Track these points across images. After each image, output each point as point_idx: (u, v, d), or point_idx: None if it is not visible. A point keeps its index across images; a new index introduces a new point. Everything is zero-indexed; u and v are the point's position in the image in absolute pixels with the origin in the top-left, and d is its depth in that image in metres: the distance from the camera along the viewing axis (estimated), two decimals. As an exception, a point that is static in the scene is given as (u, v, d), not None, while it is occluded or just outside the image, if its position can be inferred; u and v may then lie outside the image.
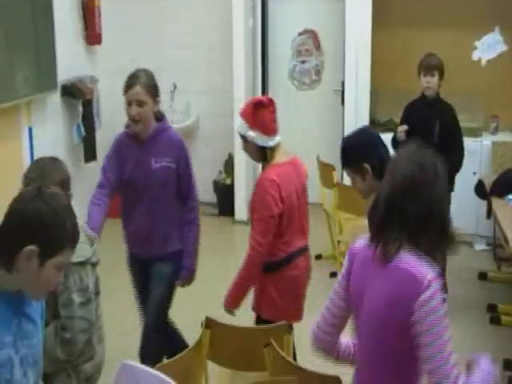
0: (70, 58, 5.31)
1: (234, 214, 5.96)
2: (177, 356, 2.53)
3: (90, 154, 5.51)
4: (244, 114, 2.85)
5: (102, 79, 5.66)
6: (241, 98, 5.85)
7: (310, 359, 3.24)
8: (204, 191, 6.29)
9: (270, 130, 2.84)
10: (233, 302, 2.91)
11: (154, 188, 3.06)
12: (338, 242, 4.83)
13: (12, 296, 1.70)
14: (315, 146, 5.73)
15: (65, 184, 2.46)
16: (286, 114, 6.35)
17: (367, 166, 2.52)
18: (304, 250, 3.01)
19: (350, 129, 5.59)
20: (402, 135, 4.21)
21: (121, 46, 6.07)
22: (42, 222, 1.63)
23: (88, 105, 5.42)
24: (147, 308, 3.21)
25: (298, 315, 2.99)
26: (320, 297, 4.35)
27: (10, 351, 1.68)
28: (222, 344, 2.71)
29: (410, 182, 1.78)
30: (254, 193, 2.91)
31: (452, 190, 3.90)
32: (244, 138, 2.88)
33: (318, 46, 6.23)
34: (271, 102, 2.87)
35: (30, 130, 4.84)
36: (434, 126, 4.18)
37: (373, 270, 1.83)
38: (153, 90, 3.00)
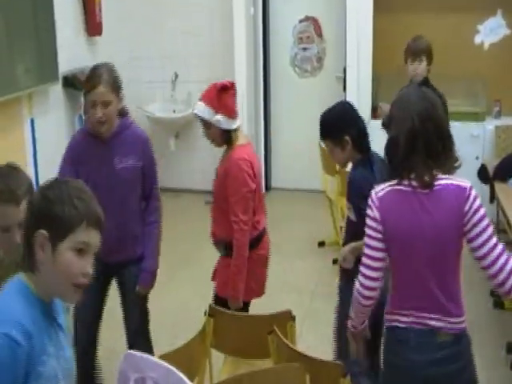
0: (71, 49, 5.30)
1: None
2: (181, 345, 2.54)
3: (92, 145, 5.51)
4: (208, 99, 2.87)
5: (103, 70, 5.65)
6: (242, 86, 5.84)
7: (313, 346, 3.28)
8: (206, 180, 6.30)
9: (233, 112, 2.91)
10: (239, 296, 2.94)
11: (120, 189, 2.87)
12: (341, 228, 4.83)
13: (45, 303, 1.63)
14: (317, 133, 5.71)
15: (32, 189, 2.15)
16: (287, 102, 6.35)
17: (347, 137, 2.73)
18: (265, 229, 3.10)
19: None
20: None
21: (122, 37, 6.06)
22: (46, 205, 1.59)
23: (90, 96, 5.41)
24: (131, 315, 3.06)
25: (262, 292, 3.11)
26: (325, 284, 4.39)
27: (53, 363, 1.59)
28: (225, 332, 2.72)
29: (427, 115, 2.09)
30: (226, 176, 2.91)
31: None
32: (207, 123, 2.89)
33: (319, 33, 6.20)
34: (233, 85, 2.92)
35: (32, 121, 4.84)
36: None
37: (416, 199, 2.09)
38: (116, 86, 2.80)
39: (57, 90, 5.15)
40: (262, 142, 6.25)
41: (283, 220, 5.55)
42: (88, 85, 2.78)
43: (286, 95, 6.32)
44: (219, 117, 2.86)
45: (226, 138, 2.94)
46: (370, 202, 2.15)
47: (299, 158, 6.23)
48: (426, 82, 3.96)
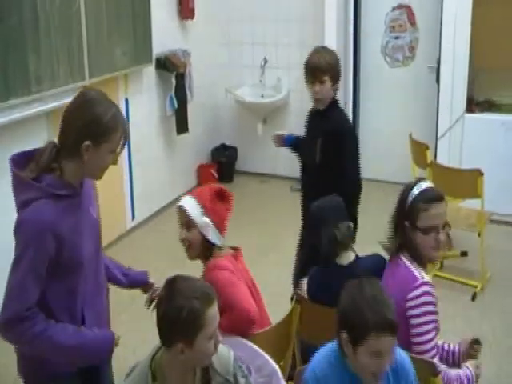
0: (165, 32, 5.41)
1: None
2: (267, 328, 2.56)
3: (182, 126, 5.62)
4: (200, 197, 2.48)
5: (194, 53, 5.73)
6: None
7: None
8: (292, 166, 6.30)
9: (223, 227, 2.52)
10: None
11: (100, 246, 2.22)
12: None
13: None
14: (408, 125, 5.60)
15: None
16: (377, 91, 6.24)
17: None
18: None
19: (444, 107, 5.45)
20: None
21: (213, 21, 6.13)
22: (352, 309, 1.96)
23: (181, 78, 5.52)
24: None
25: None
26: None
27: None
28: (311, 321, 2.71)
29: None
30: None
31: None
32: (190, 222, 2.46)
33: (412, 22, 6.05)
34: (231, 198, 2.55)
35: (127, 101, 5.00)
36: (316, 144, 3.30)
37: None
38: None
39: (150, 72, 5.28)
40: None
41: (375, 212, 5.47)
42: (120, 128, 2.03)
43: (376, 84, 6.22)
44: (207, 220, 2.45)
45: (205, 250, 2.50)
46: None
47: (388, 148, 6.12)
48: (332, 107, 3.32)
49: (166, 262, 4.40)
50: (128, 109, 4.99)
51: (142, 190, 5.26)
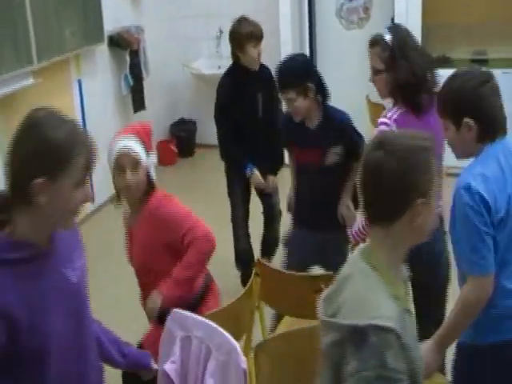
0: (116, 8, 5.31)
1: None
2: (227, 304, 2.58)
3: (138, 104, 5.56)
4: (140, 136, 2.36)
5: (148, 28, 5.64)
6: (288, 40, 5.75)
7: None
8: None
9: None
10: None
11: (82, 312, 1.70)
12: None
13: None
14: (364, 86, 5.59)
15: None
16: (334, 55, 6.21)
17: (311, 84, 2.84)
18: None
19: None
20: None
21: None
22: None
23: (135, 55, 5.44)
24: None
25: None
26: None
27: None
28: (272, 288, 2.73)
29: None
30: (159, 230, 2.40)
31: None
32: (137, 163, 2.33)
33: (365, -18, 6.02)
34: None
35: (80, 82, 4.91)
36: (257, 99, 3.68)
37: None
38: None
39: (103, 50, 5.19)
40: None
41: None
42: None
43: (333, 48, 6.19)
44: (154, 159, 2.42)
45: (149, 187, 2.39)
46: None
47: (346, 110, 6.12)
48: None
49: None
50: (81, 90, 4.91)
51: (100, 172, 5.16)
